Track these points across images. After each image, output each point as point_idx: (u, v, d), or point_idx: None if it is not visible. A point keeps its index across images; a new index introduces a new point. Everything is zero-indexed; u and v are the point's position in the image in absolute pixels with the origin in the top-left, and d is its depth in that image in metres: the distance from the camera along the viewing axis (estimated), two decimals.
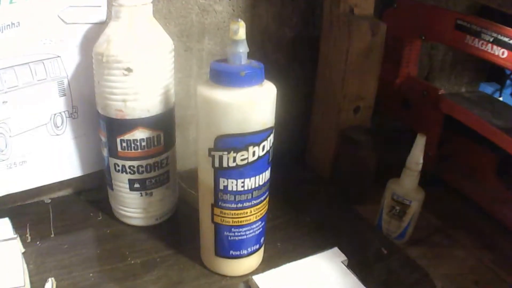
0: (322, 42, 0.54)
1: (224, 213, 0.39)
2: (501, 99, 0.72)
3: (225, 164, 0.37)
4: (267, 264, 0.43)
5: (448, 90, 0.70)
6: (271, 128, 0.37)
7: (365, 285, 0.40)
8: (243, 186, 0.38)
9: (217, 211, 0.39)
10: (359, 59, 0.50)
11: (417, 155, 0.47)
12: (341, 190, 0.53)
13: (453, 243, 0.52)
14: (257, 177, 0.38)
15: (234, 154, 0.37)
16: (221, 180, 0.38)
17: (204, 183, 0.39)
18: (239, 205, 0.39)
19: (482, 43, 0.49)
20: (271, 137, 0.38)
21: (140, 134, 0.43)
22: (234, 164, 0.37)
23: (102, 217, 0.49)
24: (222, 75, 0.36)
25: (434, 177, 0.56)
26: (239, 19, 0.35)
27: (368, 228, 0.50)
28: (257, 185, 0.39)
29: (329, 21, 0.52)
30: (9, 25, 0.43)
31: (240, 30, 0.35)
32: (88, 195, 0.52)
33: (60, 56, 0.46)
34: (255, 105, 0.36)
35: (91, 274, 0.41)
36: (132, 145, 0.43)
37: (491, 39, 0.48)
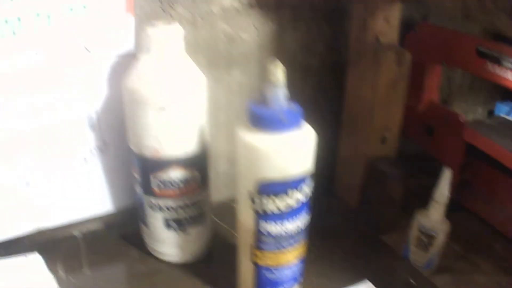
0: (349, 72, 0.55)
1: (265, 255, 0.40)
2: None
3: (266, 209, 0.38)
4: None
5: (466, 110, 0.71)
6: (311, 171, 0.37)
7: None
8: (284, 229, 0.39)
9: (257, 252, 0.40)
10: (386, 89, 0.51)
11: (444, 189, 0.48)
12: (369, 220, 0.55)
13: (474, 268, 0.53)
14: (297, 220, 0.39)
15: (276, 199, 0.37)
16: (262, 223, 0.39)
17: (244, 225, 0.40)
18: (280, 247, 0.40)
19: (502, 69, 0.49)
20: (311, 181, 0.38)
21: (176, 173, 0.43)
22: (275, 209, 0.38)
23: (135, 252, 0.49)
24: (263, 119, 0.36)
25: (455, 203, 0.57)
26: (278, 61, 0.35)
27: (396, 259, 0.51)
28: (297, 228, 0.39)
29: (355, 51, 0.53)
30: (31, 54, 0.43)
31: (279, 72, 0.35)
32: (120, 229, 0.52)
33: (87, 88, 0.46)
34: (296, 151, 0.37)
35: None
36: (168, 184, 0.44)
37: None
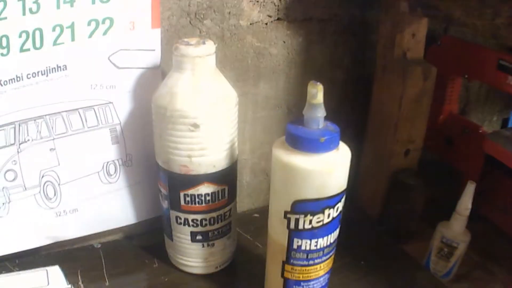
0: (375, 86, 0.55)
1: (295, 269, 0.41)
2: None
3: (300, 226, 0.38)
4: None
5: (482, 119, 0.73)
6: (345, 190, 0.38)
7: None
8: (316, 245, 0.40)
9: (288, 267, 0.41)
10: (412, 104, 0.52)
11: (466, 201, 0.50)
12: (390, 230, 0.56)
13: (491, 277, 0.55)
14: (329, 236, 0.39)
15: (311, 218, 0.38)
16: (295, 240, 0.39)
17: (276, 242, 0.41)
18: (311, 262, 0.41)
19: None
20: (344, 198, 0.38)
21: (205, 189, 0.43)
22: (309, 226, 0.38)
23: (157, 264, 0.50)
24: (301, 140, 0.37)
25: (473, 212, 0.58)
26: (318, 83, 0.35)
27: (417, 268, 0.52)
28: (328, 243, 0.40)
29: (382, 65, 0.54)
30: (54, 68, 0.42)
31: (319, 94, 0.36)
32: (140, 240, 0.53)
33: (112, 102, 0.46)
34: (333, 172, 0.37)
35: None
36: (197, 199, 0.44)
37: None
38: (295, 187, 0.37)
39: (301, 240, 0.39)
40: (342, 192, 0.38)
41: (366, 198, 0.59)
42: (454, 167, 0.61)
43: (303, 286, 0.42)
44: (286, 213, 0.38)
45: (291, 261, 0.40)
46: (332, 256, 0.42)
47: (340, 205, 0.39)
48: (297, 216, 0.38)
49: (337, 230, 0.41)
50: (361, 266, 0.51)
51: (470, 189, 0.49)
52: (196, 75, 0.41)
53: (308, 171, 0.36)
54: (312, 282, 0.42)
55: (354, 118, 0.59)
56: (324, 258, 0.41)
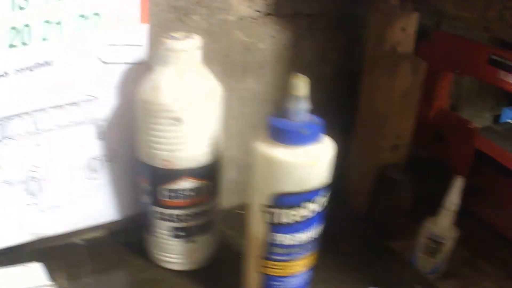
0: (364, 81, 0.55)
1: (274, 265, 0.41)
2: None
3: (280, 220, 0.38)
4: None
5: (473, 116, 0.72)
6: (329, 184, 0.38)
7: None
8: (296, 240, 0.40)
9: (266, 262, 0.41)
10: (400, 98, 0.52)
11: (454, 197, 0.49)
12: (376, 226, 0.55)
13: (480, 274, 0.55)
14: (310, 231, 0.39)
15: (291, 211, 0.38)
16: (274, 234, 0.39)
17: (254, 236, 0.41)
18: (290, 257, 0.40)
19: None
20: (327, 191, 0.38)
21: (187, 184, 0.43)
22: (290, 221, 0.38)
23: (138, 260, 0.49)
24: (283, 133, 0.37)
25: (463, 208, 0.57)
26: (302, 75, 0.35)
27: (403, 265, 0.52)
28: (309, 238, 0.40)
29: (371, 60, 0.53)
30: (41, 63, 0.42)
31: (303, 86, 0.35)
32: (122, 236, 0.52)
33: (98, 98, 0.45)
34: (315, 165, 0.37)
35: None
36: (178, 194, 0.44)
37: None
38: (275, 180, 0.37)
39: (281, 234, 0.39)
40: (324, 186, 0.38)
41: (352, 193, 0.59)
42: (444, 164, 0.60)
43: (283, 282, 0.42)
44: (265, 206, 0.38)
45: (270, 256, 0.40)
46: (314, 252, 0.42)
47: (323, 200, 0.39)
48: (277, 210, 0.38)
49: (320, 225, 0.40)
50: (346, 262, 0.50)
51: (457, 184, 0.49)
52: (180, 69, 0.41)
53: (289, 163, 0.36)
54: (292, 278, 0.42)
55: (342, 113, 0.58)
56: (305, 253, 0.41)
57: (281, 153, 0.36)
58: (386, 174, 0.53)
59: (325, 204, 0.39)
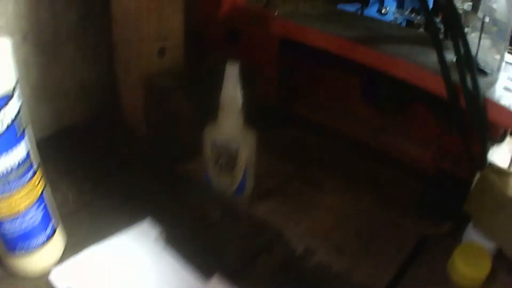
0: None
1: None
2: None
3: None
4: (74, 250, 0.35)
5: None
6: (6, 96, 0.28)
7: (188, 260, 0.34)
8: None
9: None
10: None
11: (231, 90, 0.39)
12: (160, 148, 0.46)
13: (316, 190, 0.45)
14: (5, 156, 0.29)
15: None
16: None
17: None
18: None
19: None
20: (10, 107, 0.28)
21: None
22: None
23: None
24: None
25: (283, 116, 0.47)
26: None
27: (196, 189, 0.43)
28: (10, 166, 0.29)
29: None
30: None
31: None
32: None
33: None
34: None
35: None
36: None
37: None
38: None
39: None
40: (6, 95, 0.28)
41: (128, 115, 0.49)
42: (245, 65, 0.47)
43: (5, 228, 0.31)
44: None
45: None
46: (32, 184, 0.31)
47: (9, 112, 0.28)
48: None
49: (21, 148, 0.30)
50: (120, 195, 0.40)
51: (232, 73, 0.39)
52: None
53: None
54: (16, 221, 0.30)
55: (104, 32, 0.48)
56: (15, 186, 0.30)
57: None
58: (154, 84, 0.43)
59: (17, 123, 0.29)
